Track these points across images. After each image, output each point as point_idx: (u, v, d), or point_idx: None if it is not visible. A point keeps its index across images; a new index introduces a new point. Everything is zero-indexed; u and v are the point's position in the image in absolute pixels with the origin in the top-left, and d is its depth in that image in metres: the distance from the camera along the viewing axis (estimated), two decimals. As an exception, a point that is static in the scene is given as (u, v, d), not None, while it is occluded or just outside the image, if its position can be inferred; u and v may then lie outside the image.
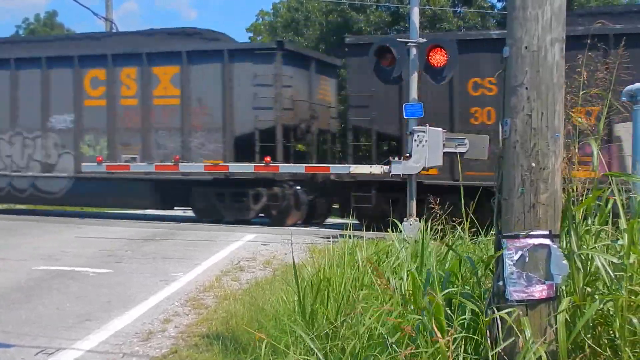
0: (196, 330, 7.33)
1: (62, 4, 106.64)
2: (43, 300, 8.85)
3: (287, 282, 8.37)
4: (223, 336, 6.65)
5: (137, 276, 10.46)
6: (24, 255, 12.26)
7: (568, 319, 4.18)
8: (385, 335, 4.63)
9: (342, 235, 13.53)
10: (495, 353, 4.08)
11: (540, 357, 3.91)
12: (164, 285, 9.82)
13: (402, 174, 13.28)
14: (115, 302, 8.78)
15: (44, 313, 8.18)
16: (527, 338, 3.98)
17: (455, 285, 4.88)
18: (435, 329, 4.24)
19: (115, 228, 16.73)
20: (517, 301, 4.11)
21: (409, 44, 12.94)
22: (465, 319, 4.51)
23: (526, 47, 4.08)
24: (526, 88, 4.08)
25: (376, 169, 14.23)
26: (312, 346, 4.93)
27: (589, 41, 4.80)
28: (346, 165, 15.83)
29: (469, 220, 5.62)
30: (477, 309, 4.37)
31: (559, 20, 4.09)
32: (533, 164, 4.08)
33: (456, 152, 12.93)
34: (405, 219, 12.78)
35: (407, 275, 5.38)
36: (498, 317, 4.12)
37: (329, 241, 13.11)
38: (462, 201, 5.24)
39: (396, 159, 13.39)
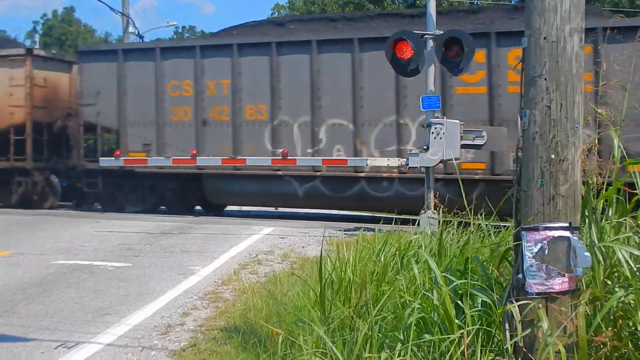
0: (215, 323, 7.35)
1: (80, 0, 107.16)
2: (62, 294, 8.90)
3: (306, 275, 8.38)
4: (241, 329, 6.65)
5: (155, 270, 10.50)
6: (43, 250, 12.34)
7: (588, 311, 4.14)
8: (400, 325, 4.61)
9: (357, 228, 13.57)
10: (511, 345, 4.05)
11: (559, 350, 3.87)
12: (183, 278, 9.85)
13: (420, 167, 13.22)
14: (134, 296, 8.82)
15: (63, 307, 8.23)
16: (545, 331, 3.95)
17: (471, 278, 4.84)
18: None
19: (133, 222, 16.78)
20: (537, 294, 4.07)
21: (426, 36, 12.87)
22: (479, 311, 4.48)
23: (545, 38, 4.04)
24: (545, 79, 4.03)
25: (394, 162, 14.18)
26: (323, 336, 4.91)
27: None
28: (364, 158, 15.77)
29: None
30: (489, 301, 4.34)
31: (578, 10, 4.04)
32: (552, 156, 4.04)
33: (474, 145, 12.88)
34: (422, 211, 12.75)
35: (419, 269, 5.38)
36: (517, 309, 4.09)
37: (347, 234, 13.13)
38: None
39: (413, 151, 13.34)
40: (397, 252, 6.82)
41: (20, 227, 15.92)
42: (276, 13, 50.38)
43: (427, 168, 13.02)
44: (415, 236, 7.56)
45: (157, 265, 10.90)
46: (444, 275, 4.85)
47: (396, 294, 5.45)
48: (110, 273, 10.29)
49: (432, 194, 12.69)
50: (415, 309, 4.73)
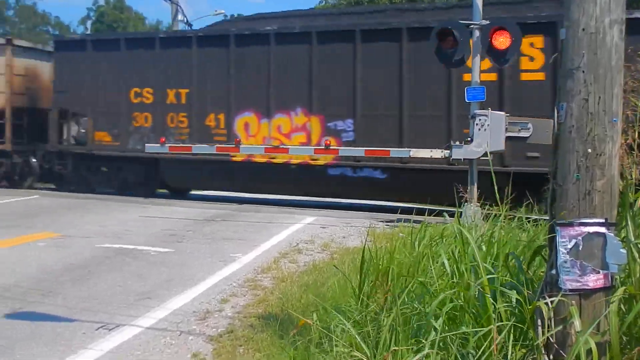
0: (253, 311, 7.42)
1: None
2: (105, 277, 9.07)
3: (345, 266, 8.40)
4: (279, 318, 6.71)
5: (197, 256, 10.62)
6: (90, 233, 12.57)
7: (623, 309, 4.09)
8: (431, 317, 4.60)
9: (399, 220, 13.54)
10: (542, 342, 4.01)
11: (592, 348, 3.83)
12: (223, 265, 9.95)
13: (463, 158, 13.11)
14: (175, 281, 8.94)
15: (106, 289, 8.39)
16: (578, 328, 3.90)
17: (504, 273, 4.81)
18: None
19: (178, 209, 16.99)
20: (571, 290, 4.02)
21: (472, 26, 12.74)
22: (511, 306, 4.45)
23: (583, 29, 3.97)
24: (583, 71, 3.97)
25: (437, 153, 14.08)
26: (349, 328, 4.94)
27: None
28: (407, 149, 15.66)
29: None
30: (520, 298, 4.31)
31: (618, 2, 3.96)
32: (589, 150, 3.97)
33: (519, 137, 12.72)
34: (465, 203, 12.64)
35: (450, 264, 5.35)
36: (549, 305, 4.04)
37: (388, 225, 13.11)
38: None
39: (457, 142, 13.23)
40: (431, 242, 6.81)
41: (69, 210, 16.23)
42: (324, 2, 50.19)
43: (470, 160, 12.91)
44: (447, 225, 7.52)
45: (199, 251, 11.03)
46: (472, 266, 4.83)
47: (426, 285, 5.44)
48: (153, 258, 10.44)
49: (475, 187, 12.60)
50: (448, 298, 4.72)
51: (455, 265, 5.49)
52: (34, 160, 22.68)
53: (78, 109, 21.20)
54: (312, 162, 17.86)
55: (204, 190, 22.41)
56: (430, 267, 5.80)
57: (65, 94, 21.17)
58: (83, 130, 21.37)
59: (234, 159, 18.35)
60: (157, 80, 19.97)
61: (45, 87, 22.68)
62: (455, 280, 5.27)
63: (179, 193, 21.59)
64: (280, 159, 17.96)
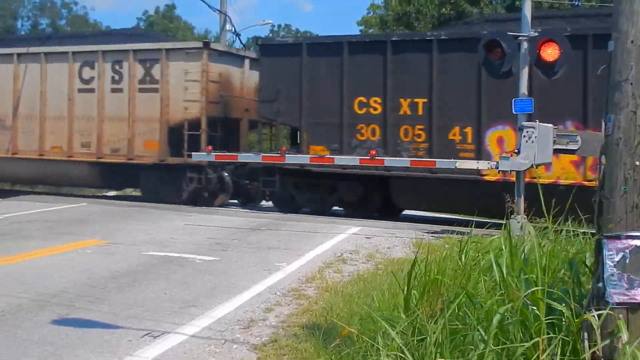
0: (296, 320, 7.44)
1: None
2: (151, 284, 9.18)
3: (390, 277, 8.37)
4: (323, 327, 6.71)
5: (241, 265, 10.69)
6: (135, 241, 12.74)
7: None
8: (478, 328, 4.57)
9: (445, 231, 13.47)
10: (589, 356, 3.96)
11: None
12: (267, 274, 10.00)
13: (510, 170, 13.01)
14: (220, 289, 9.01)
15: (151, 297, 8.49)
16: (625, 342, 3.85)
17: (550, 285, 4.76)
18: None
19: (223, 217, 17.12)
20: (618, 304, 3.97)
21: (520, 37, 12.65)
22: (560, 319, 4.40)
23: (632, 42, 3.93)
24: (631, 84, 3.93)
25: (483, 165, 13.99)
26: (396, 338, 4.92)
27: None
28: (452, 160, 15.56)
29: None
30: (567, 311, 4.26)
31: (668, 14, 3.92)
32: (637, 162, 3.93)
33: (567, 149, 12.58)
34: (512, 216, 12.54)
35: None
36: (596, 319, 3.99)
37: (433, 236, 13.05)
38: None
39: (504, 154, 13.14)
40: (479, 254, 6.77)
41: (116, 218, 16.47)
42: (372, 12, 50.27)
43: (517, 172, 12.80)
44: (494, 237, 7.47)
45: (244, 260, 11.10)
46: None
47: (473, 297, 5.40)
48: (198, 266, 10.54)
49: (522, 199, 12.47)
50: (496, 311, 4.68)
51: (502, 277, 5.45)
52: (226, 175, 21.12)
53: (287, 119, 19.82)
54: (587, 184, 15.27)
55: (444, 212, 19.69)
56: (481, 278, 5.76)
57: (272, 104, 19.29)
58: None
59: (486, 178, 16.33)
60: (387, 89, 17.96)
61: (237, 94, 21.57)
62: (503, 292, 5.22)
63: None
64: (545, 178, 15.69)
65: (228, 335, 6.99)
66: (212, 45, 21.55)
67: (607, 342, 3.98)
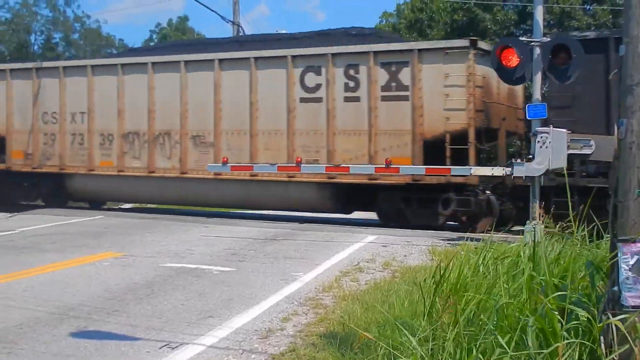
0: (314, 329, 7.42)
1: (193, 9, 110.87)
2: (168, 296, 9.18)
3: (409, 284, 8.34)
4: (340, 336, 6.69)
5: (258, 275, 10.68)
6: (153, 252, 12.76)
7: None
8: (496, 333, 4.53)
9: (460, 238, 13.41)
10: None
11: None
12: (284, 284, 9.98)
13: (524, 176, 12.95)
14: (237, 300, 9.00)
15: (169, 308, 8.49)
16: (642, 346, 3.82)
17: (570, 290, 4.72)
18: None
19: (239, 228, 17.11)
20: (633, 307, 3.94)
21: (533, 43, 12.61)
22: (579, 324, 4.36)
23: (644, 46, 3.91)
24: (643, 87, 3.90)
25: (498, 171, 13.93)
26: (415, 346, 4.89)
27: None
28: (467, 167, 15.47)
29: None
30: (589, 316, 4.22)
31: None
32: (650, 166, 3.90)
33: (581, 154, 12.52)
34: (527, 221, 12.49)
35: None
36: (612, 323, 3.96)
37: (449, 243, 13.00)
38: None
39: (517, 160, 13.08)
40: (496, 260, 6.72)
41: (132, 230, 16.51)
42: (384, 21, 50.36)
43: (532, 178, 12.74)
44: (514, 245, 7.43)
45: (261, 270, 11.09)
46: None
47: (492, 302, 5.37)
48: (215, 277, 10.54)
49: (537, 204, 12.41)
50: (514, 316, 4.65)
51: (518, 283, 5.41)
52: (492, 195, 17.62)
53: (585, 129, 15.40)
54: None
55: None
56: (502, 284, 5.71)
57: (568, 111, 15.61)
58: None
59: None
60: None
61: (495, 100, 18.53)
62: (522, 298, 5.18)
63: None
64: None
65: (246, 345, 6.98)
66: (479, 44, 17.87)
67: (625, 347, 3.94)
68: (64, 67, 23.22)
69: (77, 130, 22.61)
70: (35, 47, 65.74)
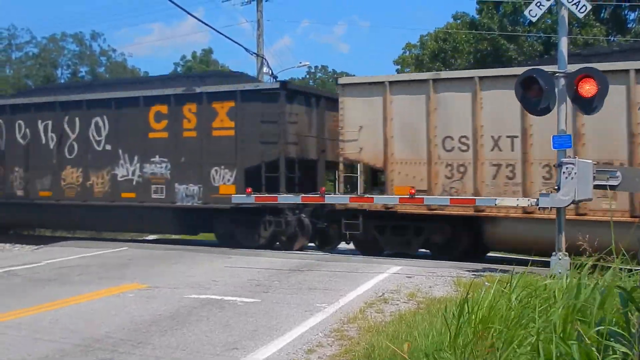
0: (339, 361, 7.38)
1: (218, 42, 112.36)
2: (193, 327, 9.17)
3: (432, 317, 8.27)
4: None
5: (283, 306, 10.65)
6: (176, 284, 12.77)
7: None
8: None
9: (486, 269, 13.31)
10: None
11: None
12: (309, 315, 9.94)
13: (550, 207, 12.87)
14: (261, 331, 8.97)
15: (194, 340, 8.48)
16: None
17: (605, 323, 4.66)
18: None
19: (263, 259, 17.08)
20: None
21: (557, 74, 12.59)
22: (617, 357, 4.29)
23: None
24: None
25: (523, 202, 13.85)
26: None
27: None
28: (492, 198, 15.42)
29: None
30: (627, 350, 4.16)
31: None
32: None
33: (607, 185, 12.42)
34: (553, 253, 12.39)
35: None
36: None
37: (474, 275, 12.89)
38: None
39: (544, 191, 13.01)
40: (530, 296, 6.66)
41: (157, 261, 16.55)
42: (407, 52, 50.61)
43: (557, 209, 12.66)
44: (549, 280, 7.36)
45: (285, 301, 11.06)
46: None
47: (529, 339, 5.31)
48: (239, 308, 10.52)
49: (562, 236, 12.32)
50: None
51: (549, 315, 5.36)
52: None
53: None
54: None
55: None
56: (537, 319, 5.65)
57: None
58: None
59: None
60: None
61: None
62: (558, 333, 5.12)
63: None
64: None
65: (271, 377, 6.95)
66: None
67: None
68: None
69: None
70: (62, 80, 66.77)
